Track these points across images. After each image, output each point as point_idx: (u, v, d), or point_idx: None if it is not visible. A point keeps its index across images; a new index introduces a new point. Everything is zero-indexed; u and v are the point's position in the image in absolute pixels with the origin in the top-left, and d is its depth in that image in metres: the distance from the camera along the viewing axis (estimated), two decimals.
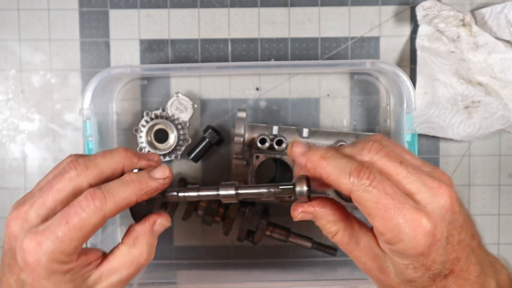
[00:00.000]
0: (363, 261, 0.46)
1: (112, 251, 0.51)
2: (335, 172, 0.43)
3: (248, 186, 0.52)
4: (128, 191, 0.47)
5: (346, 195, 0.43)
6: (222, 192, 0.51)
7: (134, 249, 0.49)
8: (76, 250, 0.46)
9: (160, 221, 0.51)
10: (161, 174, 0.50)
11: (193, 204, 0.77)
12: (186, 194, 0.52)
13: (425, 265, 0.41)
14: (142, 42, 0.80)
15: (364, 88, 0.81)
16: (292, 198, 0.76)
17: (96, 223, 0.46)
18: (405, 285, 0.43)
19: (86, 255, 0.48)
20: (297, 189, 0.47)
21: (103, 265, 0.49)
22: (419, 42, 0.78)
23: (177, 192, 0.52)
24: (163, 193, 0.52)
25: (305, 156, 0.46)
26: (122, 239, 0.51)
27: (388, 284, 0.45)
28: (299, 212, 0.49)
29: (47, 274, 0.45)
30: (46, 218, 0.46)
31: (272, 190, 0.50)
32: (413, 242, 0.40)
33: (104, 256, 0.50)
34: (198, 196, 0.52)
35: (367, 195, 0.41)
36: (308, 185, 0.47)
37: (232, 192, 0.51)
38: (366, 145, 0.44)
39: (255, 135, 0.74)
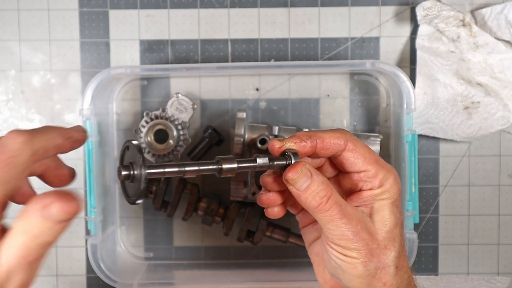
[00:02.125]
0: (355, 223, 0.49)
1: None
2: (328, 135, 0.50)
3: (246, 159, 0.51)
4: (53, 132, 0.43)
5: (338, 151, 0.50)
6: (225, 166, 0.49)
7: (23, 222, 0.40)
8: (7, 198, 0.41)
9: (55, 208, 0.38)
10: (78, 128, 0.46)
11: (193, 204, 0.77)
12: (187, 169, 0.48)
13: (399, 206, 0.52)
14: (142, 42, 0.80)
15: (364, 89, 0.81)
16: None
17: (26, 160, 0.40)
18: (388, 238, 0.50)
19: None
20: (293, 160, 0.49)
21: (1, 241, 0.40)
22: (419, 42, 0.78)
23: (178, 167, 0.47)
24: (163, 167, 0.47)
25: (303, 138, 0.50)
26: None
27: (374, 247, 0.49)
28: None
29: None
30: None
31: (269, 162, 0.50)
32: (396, 178, 0.51)
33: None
34: (199, 170, 0.48)
35: (360, 143, 0.51)
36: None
37: (234, 165, 0.49)
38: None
39: (255, 135, 0.75)
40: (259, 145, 0.73)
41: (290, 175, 0.48)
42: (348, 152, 0.50)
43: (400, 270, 0.51)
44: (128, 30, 0.80)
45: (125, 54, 0.80)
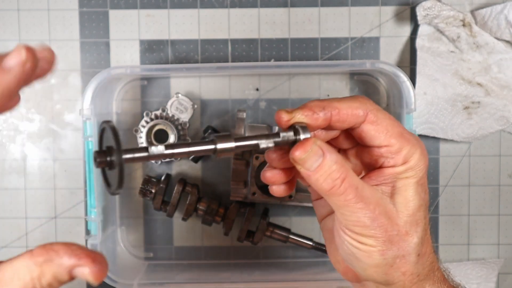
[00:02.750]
0: (372, 208, 0.43)
1: (9, 260, 0.36)
2: (345, 105, 0.44)
3: (245, 137, 0.44)
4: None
5: (357, 123, 0.44)
6: (219, 146, 0.42)
7: (38, 268, 0.35)
8: None
9: (85, 273, 0.35)
10: (15, 60, 0.33)
11: (193, 204, 0.77)
12: (175, 150, 0.41)
13: (424, 185, 0.46)
14: (142, 42, 0.80)
15: (364, 89, 0.81)
16: (292, 197, 0.76)
17: None
18: (410, 223, 0.44)
19: None
20: (302, 136, 0.43)
21: None
22: (419, 42, 0.78)
23: (165, 149, 0.41)
24: (147, 150, 0.41)
25: (318, 106, 0.44)
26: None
27: (394, 233, 0.44)
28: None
29: None
30: None
31: (271, 139, 0.44)
32: (423, 153, 0.45)
33: None
34: (190, 151, 0.42)
35: (383, 114, 0.44)
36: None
37: (231, 144, 0.43)
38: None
39: None
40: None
41: (298, 154, 0.42)
42: (368, 124, 0.44)
43: (422, 257, 0.45)
44: (128, 30, 0.80)
45: (125, 54, 0.80)
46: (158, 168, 0.81)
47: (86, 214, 0.79)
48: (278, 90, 0.81)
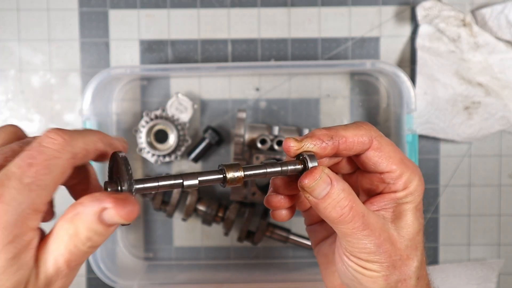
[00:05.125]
0: (378, 234, 0.44)
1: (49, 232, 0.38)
2: (351, 133, 0.45)
3: (253, 166, 0.43)
4: (94, 136, 0.39)
5: (363, 147, 0.45)
6: (230, 175, 0.42)
7: (71, 225, 0.36)
8: (44, 205, 0.35)
9: (111, 213, 0.36)
10: (120, 139, 0.42)
11: (193, 204, 0.77)
12: (184, 182, 0.41)
13: (421, 210, 0.47)
14: (142, 42, 0.80)
15: (364, 89, 0.81)
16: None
17: (65, 164, 0.36)
18: (411, 247, 0.46)
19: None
20: (310, 164, 0.43)
21: (42, 245, 0.36)
22: (419, 41, 0.78)
23: (173, 180, 0.41)
24: (157, 180, 0.40)
25: (326, 135, 0.44)
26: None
27: (397, 258, 0.45)
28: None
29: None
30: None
31: (281, 168, 0.43)
32: (421, 179, 0.47)
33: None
34: (199, 182, 0.42)
35: (385, 141, 0.45)
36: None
37: (240, 174, 0.42)
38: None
39: (255, 135, 0.74)
40: (259, 145, 0.73)
41: (307, 182, 0.42)
42: (372, 151, 0.45)
43: (421, 280, 0.47)
44: (128, 30, 0.80)
45: (125, 54, 0.80)
46: (158, 168, 0.81)
47: None
48: (278, 90, 0.81)
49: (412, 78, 0.78)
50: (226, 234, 0.78)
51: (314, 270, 0.79)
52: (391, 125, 0.79)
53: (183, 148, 0.78)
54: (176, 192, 0.76)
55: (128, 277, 0.75)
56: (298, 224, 0.81)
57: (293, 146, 0.44)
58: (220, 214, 0.78)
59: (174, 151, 0.78)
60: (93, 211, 0.36)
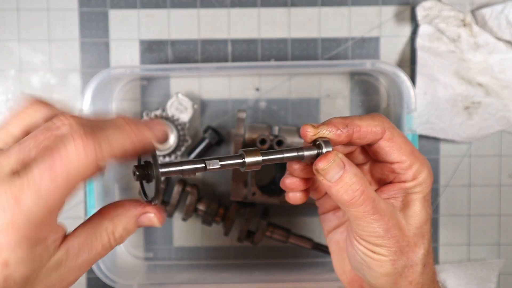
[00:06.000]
0: (387, 220, 0.46)
1: (81, 224, 0.41)
2: (366, 123, 0.47)
3: (270, 151, 0.46)
4: (123, 135, 0.38)
5: (376, 137, 0.48)
6: (249, 160, 0.45)
7: (110, 223, 0.41)
8: (60, 209, 0.36)
9: (151, 217, 0.43)
10: (158, 128, 0.41)
11: (193, 204, 0.77)
12: (207, 165, 0.44)
13: (429, 201, 0.49)
14: (142, 42, 0.80)
15: (364, 89, 0.81)
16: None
17: (86, 172, 0.36)
18: (418, 235, 0.48)
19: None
20: (325, 149, 0.45)
21: (69, 240, 0.39)
22: (419, 41, 0.78)
23: (196, 164, 0.44)
24: (181, 164, 0.43)
25: (342, 123, 0.47)
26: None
27: (404, 244, 0.47)
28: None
29: (19, 241, 0.34)
30: (22, 167, 0.36)
31: (297, 153, 0.46)
32: (430, 171, 0.49)
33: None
34: (221, 166, 0.45)
35: (397, 132, 0.48)
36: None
37: (259, 158, 0.45)
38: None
39: (255, 135, 0.74)
40: (259, 145, 0.73)
41: (321, 165, 0.45)
42: (384, 141, 0.48)
43: (427, 267, 0.49)
44: (128, 30, 0.80)
45: (125, 54, 0.80)
46: None
47: (85, 214, 0.78)
48: (278, 90, 0.81)
49: (412, 78, 0.78)
50: (226, 234, 0.78)
51: (314, 270, 0.79)
52: None
53: (183, 148, 0.78)
54: (176, 192, 0.76)
55: (128, 277, 0.75)
56: (298, 224, 0.81)
57: (309, 131, 0.46)
58: (220, 214, 0.78)
59: (174, 151, 0.78)
60: (134, 214, 0.42)
